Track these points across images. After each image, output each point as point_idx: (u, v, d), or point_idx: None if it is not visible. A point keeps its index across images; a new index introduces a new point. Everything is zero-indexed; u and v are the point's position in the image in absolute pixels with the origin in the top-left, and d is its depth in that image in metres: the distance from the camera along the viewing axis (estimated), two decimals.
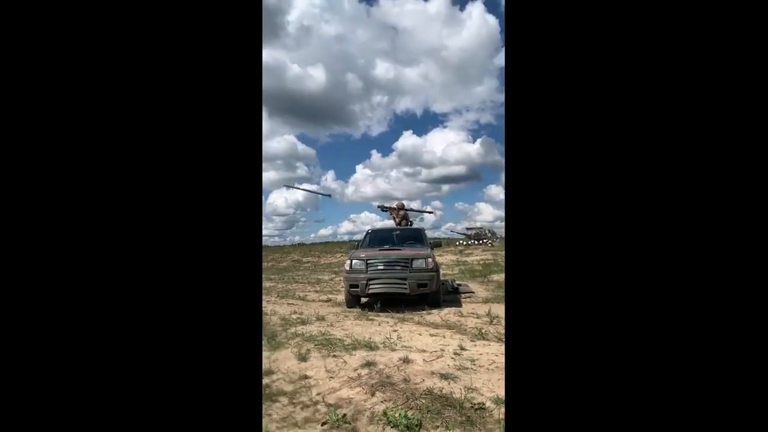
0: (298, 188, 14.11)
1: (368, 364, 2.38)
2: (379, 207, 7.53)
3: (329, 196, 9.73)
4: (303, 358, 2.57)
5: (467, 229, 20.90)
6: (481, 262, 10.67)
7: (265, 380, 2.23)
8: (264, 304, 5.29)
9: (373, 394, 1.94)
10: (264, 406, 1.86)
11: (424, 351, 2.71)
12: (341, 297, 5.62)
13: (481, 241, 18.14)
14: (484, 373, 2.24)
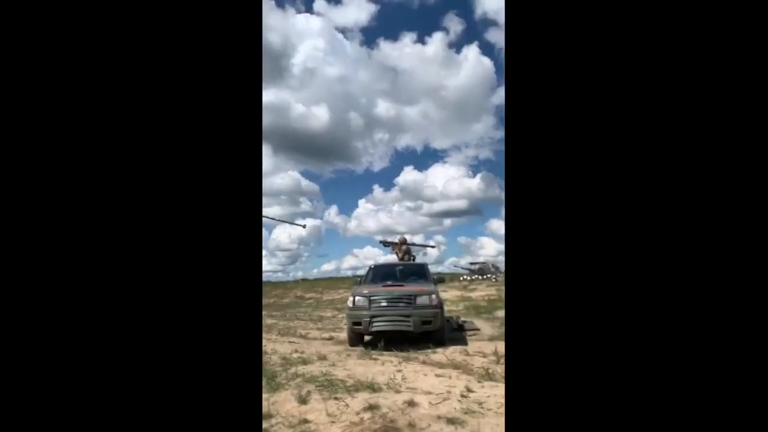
0: (274, 219, 13.48)
1: (371, 408, 2.29)
2: (381, 242, 7.54)
3: (303, 226, 9.61)
4: (303, 401, 2.48)
5: (471, 263, 20.67)
6: (486, 298, 10.46)
7: (265, 424, 2.14)
8: (264, 342, 5.16)
9: None
10: None
11: (429, 393, 2.60)
12: (344, 335, 5.48)
13: (485, 276, 17.86)
14: (493, 417, 2.14)
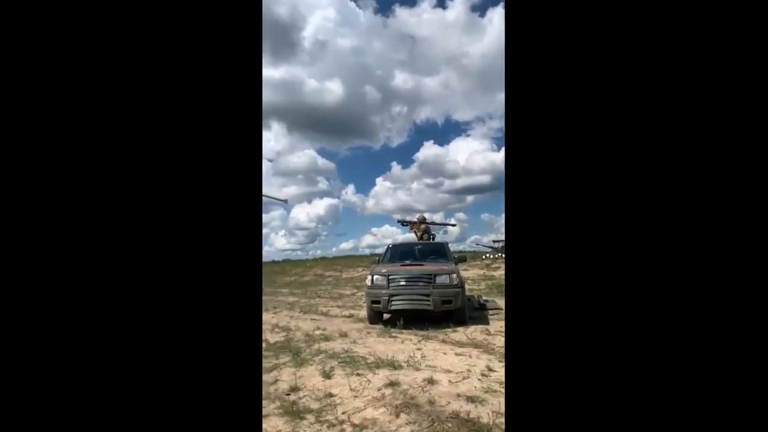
0: (266, 196, 13.00)
1: (392, 384, 2.36)
2: (399, 221, 7.54)
3: (285, 201, 9.54)
4: (327, 376, 2.58)
5: (494, 241, 20.45)
6: None
7: (293, 396, 2.25)
8: (288, 319, 5.36)
9: (397, 416, 1.91)
10: (292, 424, 1.88)
11: (449, 371, 2.65)
12: (363, 313, 5.61)
13: None
14: None
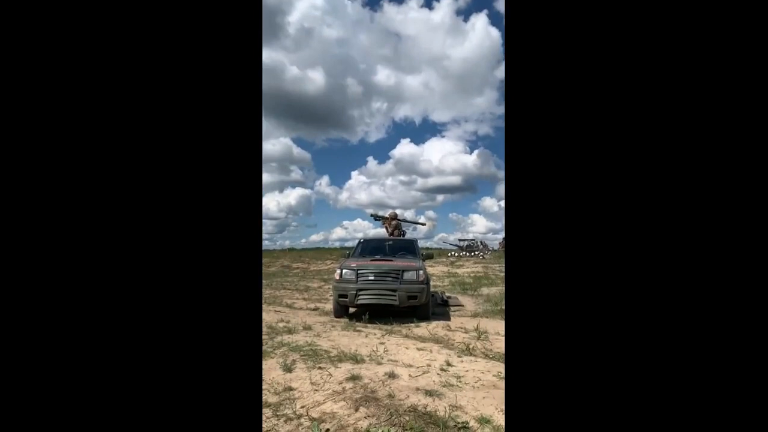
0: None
1: (353, 378, 2.37)
2: (372, 216, 7.55)
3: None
4: (288, 369, 2.55)
5: (459, 240, 20.98)
6: (472, 275, 10.72)
7: None
8: None
9: (356, 410, 1.93)
10: None
11: (410, 366, 2.70)
12: (329, 306, 5.59)
13: (473, 253, 18.22)
14: (470, 390, 2.24)
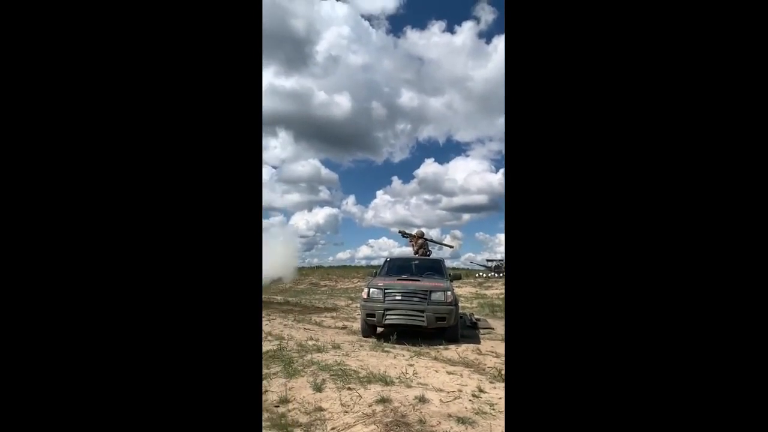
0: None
1: (383, 401, 2.35)
2: (400, 233, 7.57)
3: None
4: (318, 389, 2.57)
5: (488, 260, 20.44)
6: (502, 296, 10.37)
7: (282, 409, 2.23)
8: (282, 328, 5.32)
9: None
10: None
11: (440, 390, 2.64)
12: (357, 325, 5.59)
13: (501, 274, 17.67)
14: (504, 419, 2.16)
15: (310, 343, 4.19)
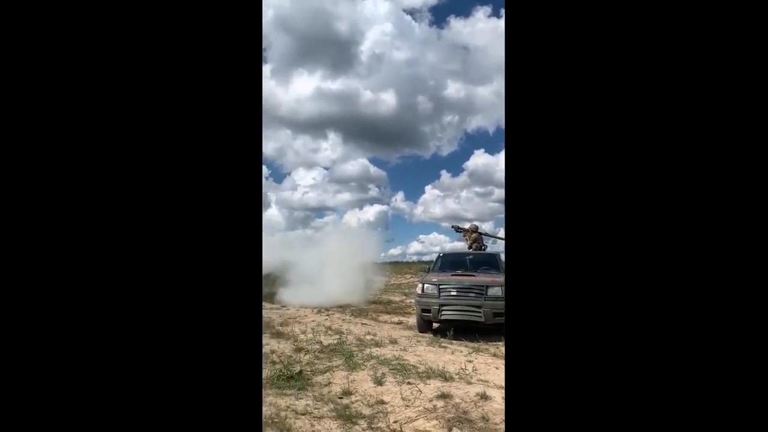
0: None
1: (444, 396, 2.35)
2: (453, 227, 7.44)
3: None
4: (379, 382, 2.64)
5: None
6: None
7: (345, 400, 2.34)
8: (340, 323, 5.54)
9: (450, 430, 1.90)
10: (345, 428, 1.96)
11: (502, 387, 2.57)
12: (412, 320, 5.62)
13: None
14: None
15: (368, 337, 4.30)
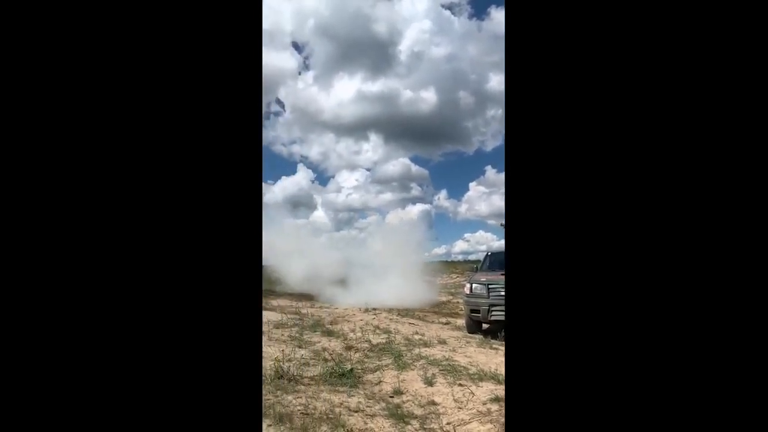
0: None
1: (498, 399, 2.26)
2: (501, 225, 7.18)
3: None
4: (429, 383, 2.61)
5: None
6: None
7: (396, 400, 2.34)
8: (388, 322, 5.58)
9: None
10: (398, 427, 1.96)
11: None
12: (460, 321, 5.50)
13: None
14: None
15: (416, 337, 4.29)
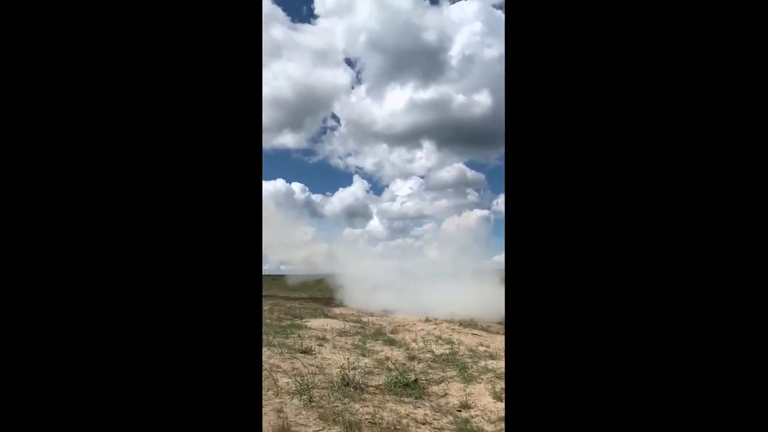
0: None
1: None
2: None
3: None
4: (499, 398, 2.47)
5: None
6: None
7: (464, 414, 2.26)
8: (450, 332, 5.44)
9: None
10: None
11: None
12: None
13: None
14: None
15: (481, 348, 4.11)
